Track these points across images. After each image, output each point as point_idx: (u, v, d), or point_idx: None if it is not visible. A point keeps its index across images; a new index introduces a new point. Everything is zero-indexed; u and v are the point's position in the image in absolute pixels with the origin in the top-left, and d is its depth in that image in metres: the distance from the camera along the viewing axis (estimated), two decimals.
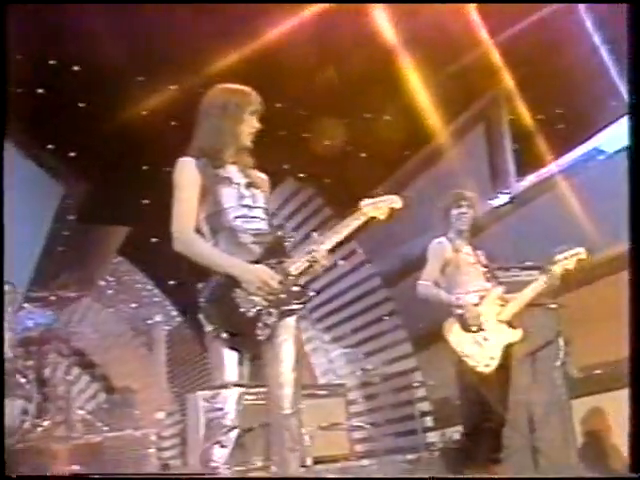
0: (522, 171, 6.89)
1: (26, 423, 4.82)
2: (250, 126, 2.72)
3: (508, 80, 6.71)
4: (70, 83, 6.37)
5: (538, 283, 4.05)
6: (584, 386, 5.21)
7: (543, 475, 4.25)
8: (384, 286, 7.66)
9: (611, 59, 5.94)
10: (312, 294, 2.83)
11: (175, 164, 2.66)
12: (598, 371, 5.38)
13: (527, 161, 6.85)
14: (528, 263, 4.90)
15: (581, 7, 5.89)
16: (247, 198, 2.69)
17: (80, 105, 6.60)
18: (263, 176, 2.86)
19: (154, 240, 7.46)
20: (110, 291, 7.02)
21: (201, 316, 2.55)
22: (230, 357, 2.52)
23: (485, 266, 4.19)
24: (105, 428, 5.32)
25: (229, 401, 2.49)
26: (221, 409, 2.48)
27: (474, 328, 3.91)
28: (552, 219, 6.05)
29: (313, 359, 7.70)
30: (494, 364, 3.86)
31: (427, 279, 4.11)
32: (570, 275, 5.57)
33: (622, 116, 5.98)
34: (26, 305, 5.51)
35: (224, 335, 2.50)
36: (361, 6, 6.06)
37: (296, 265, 2.61)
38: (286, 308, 2.58)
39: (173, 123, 6.44)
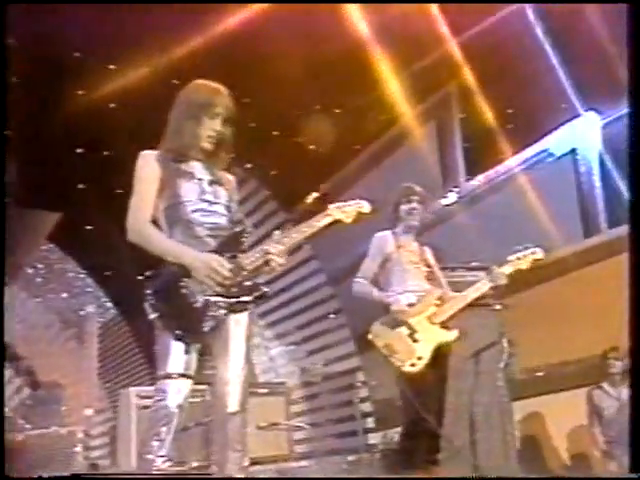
0: (472, 170, 6.98)
1: None
2: (210, 129, 2.70)
3: (461, 79, 6.79)
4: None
5: (480, 285, 3.99)
6: (526, 388, 5.31)
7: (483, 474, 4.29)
8: (330, 283, 7.65)
9: (561, 64, 6.06)
10: (266, 290, 2.62)
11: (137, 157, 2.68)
12: (540, 373, 5.49)
13: (477, 160, 6.94)
14: (475, 264, 4.93)
15: (530, 12, 6.01)
16: (208, 194, 2.69)
17: (13, 80, 6.36)
18: (230, 177, 2.86)
19: (89, 227, 7.28)
20: (39, 279, 6.79)
21: (146, 305, 2.53)
22: (176, 347, 2.49)
23: (429, 265, 4.13)
24: (28, 426, 5.13)
25: (171, 392, 2.45)
26: (162, 400, 2.44)
27: (406, 329, 3.84)
28: (501, 218, 6.15)
29: (254, 356, 7.65)
30: (421, 364, 3.78)
31: (364, 276, 4.07)
32: (518, 276, 5.71)
33: (570, 119, 6.14)
34: None
35: (169, 324, 2.48)
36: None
37: (250, 260, 2.59)
38: (236, 301, 2.56)
39: (112, 105, 6.30)
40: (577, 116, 6.15)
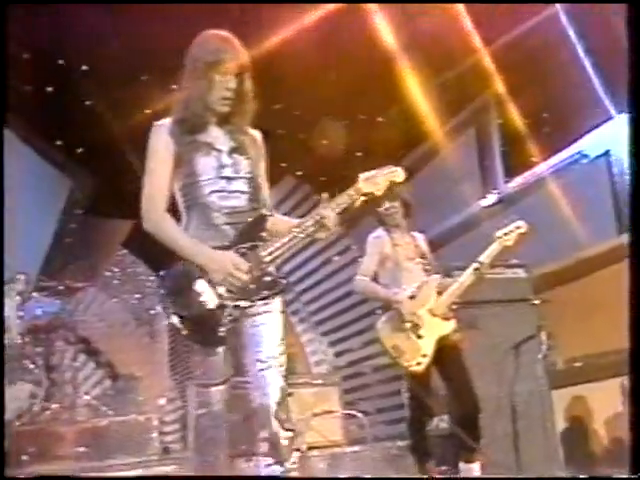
0: (510, 173, 6.97)
1: (35, 406, 4.89)
2: (223, 89, 2.30)
3: (498, 86, 6.79)
4: (78, 82, 6.41)
5: (467, 275, 3.77)
6: (565, 378, 5.31)
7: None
8: None
9: (593, 68, 6.01)
10: (285, 282, 2.38)
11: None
12: (578, 364, 5.48)
13: (515, 163, 6.92)
14: (514, 261, 4.95)
15: (564, 17, 5.96)
16: (228, 167, 2.34)
17: (87, 103, 6.65)
18: (256, 134, 2.47)
19: None
20: (115, 282, 7.09)
21: (161, 308, 2.39)
22: (206, 352, 2.29)
23: (423, 256, 3.98)
24: (110, 412, 5.39)
25: (213, 398, 2.31)
26: (207, 406, 2.30)
27: (409, 325, 3.70)
28: (538, 218, 6.13)
29: (308, 350, 7.79)
30: (426, 362, 3.66)
31: (364, 274, 3.90)
32: (557, 273, 5.69)
33: (603, 122, 6.09)
34: (35, 294, 5.56)
35: (183, 328, 2.24)
36: (361, 11, 6.09)
37: (270, 251, 2.30)
38: (253, 301, 2.29)
39: None
40: (610, 119, 6.09)
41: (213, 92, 2.30)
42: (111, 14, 5.53)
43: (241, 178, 2.36)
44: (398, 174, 2.51)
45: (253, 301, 2.28)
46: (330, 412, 5.25)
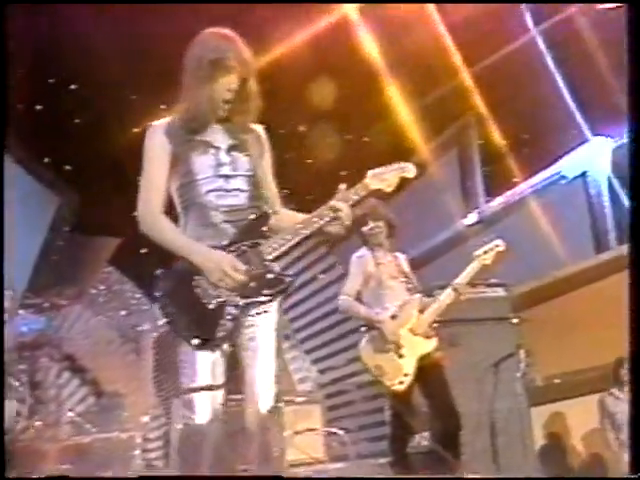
0: (491, 192, 7.09)
1: (19, 424, 4.87)
2: (225, 90, 2.22)
3: (479, 107, 6.91)
4: (67, 100, 6.46)
5: (447, 294, 3.79)
6: (544, 394, 5.38)
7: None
8: None
9: (570, 93, 6.15)
10: (290, 280, 2.23)
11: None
12: (557, 380, 5.55)
13: (496, 183, 7.05)
14: (494, 280, 5.01)
15: (542, 43, 6.09)
16: (226, 166, 2.25)
17: (76, 121, 6.69)
18: (260, 130, 2.37)
19: (143, 251, 7.56)
20: (101, 299, 7.08)
21: (157, 308, 2.18)
22: (201, 355, 2.15)
23: (406, 275, 3.98)
24: (93, 430, 5.37)
25: (199, 407, 2.14)
26: (191, 416, 2.14)
27: (391, 346, 3.71)
28: (518, 237, 6.24)
29: (292, 367, 7.80)
30: (408, 380, 3.67)
31: (347, 293, 3.90)
32: (535, 291, 5.78)
33: (580, 144, 6.24)
34: (21, 311, 5.55)
35: (183, 330, 2.13)
36: (346, 30, 6.14)
37: (272, 247, 2.20)
38: (255, 299, 2.18)
39: None
40: (586, 141, 6.23)
41: (216, 92, 2.21)
42: (102, 32, 5.57)
43: (240, 176, 2.26)
44: (409, 169, 2.38)
45: (253, 299, 2.18)
46: (312, 429, 5.26)
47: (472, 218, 7.07)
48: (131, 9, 5.22)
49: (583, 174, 6.22)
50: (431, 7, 5.68)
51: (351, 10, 5.95)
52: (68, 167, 7.06)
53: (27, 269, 6.54)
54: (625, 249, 5.69)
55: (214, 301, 2.14)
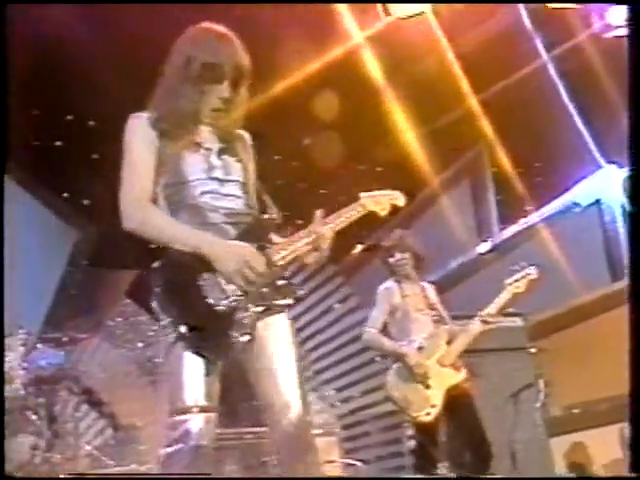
0: (504, 221, 7.07)
1: (36, 457, 4.85)
2: (215, 97, 1.99)
3: (491, 135, 6.92)
4: (84, 137, 6.56)
5: (477, 325, 3.84)
6: (564, 424, 5.30)
7: None
8: None
9: (582, 120, 6.16)
10: (301, 291, 2.13)
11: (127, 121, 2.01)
12: (576, 410, 5.47)
13: (509, 212, 7.03)
14: (511, 310, 4.97)
15: (554, 71, 6.08)
16: (218, 169, 2.02)
17: (93, 157, 6.79)
18: (244, 134, 2.15)
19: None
20: (118, 331, 7.09)
21: (155, 304, 1.89)
22: (193, 368, 1.87)
23: (433, 307, 4.00)
24: (111, 462, 5.34)
25: (191, 430, 1.85)
26: (181, 440, 1.84)
27: (418, 377, 3.73)
28: (534, 266, 6.20)
29: (310, 398, 7.72)
30: (434, 412, 3.68)
31: (372, 326, 3.94)
32: (552, 320, 5.72)
33: (593, 172, 6.23)
34: (39, 345, 5.57)
35: (184, 330, 1.83)
36: (353, 60, 6.14)
37: (282, 254, 1.97)
38: (268, 305, 1.95)
39: None
40: (599, 168, 6.23)
41: (204, 98, 1.99)
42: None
43: (234, 182, 2.06)
44: (399, 197, 2.40)
45: (266, 306, 1.94)
46: (330, 462, 5.20)
47: (485, 247, 7.05)
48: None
49: (597, 202, 6.20)
50: (439, 34, 5.68)
51: (359, 37, 5.91)
52: (86, 202, 7.14)
53: (45, 303, 6.59)
54: None
55: (223, 303, 1.87)
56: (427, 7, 5.34)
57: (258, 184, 2.13)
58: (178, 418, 1.87)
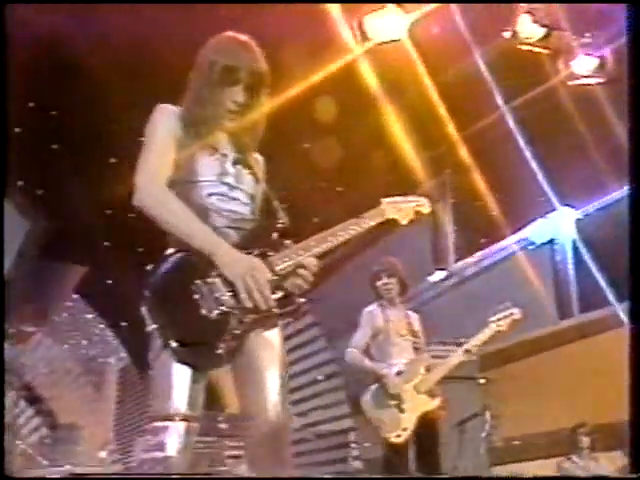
0: (460, 253, 7.21)
1: None
2: (230, 100, 2.02)
3: (454, 169, 7.06)
4: (46, 125, 6.38)
5: (457, 355, 3.99)
6: (504, 455, 5.41)
7: None
8: (330, 347, 7.72)
9: (539, 165, 6.32)
10: (302, 301, 1.92)
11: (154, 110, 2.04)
12: (517, 442, 5.60)
13: (465, 244, 7.18)
14: (462, 339, 5.06)
15: (511, 121, 6.19)
16: (230, 176, 2.03)
17: (53, 147, 6.61)
18: (258, 157, 2.17)
19: (109, 282, 7.41)
20: (64, 327, 6.88)
21: (144, 310, 1.84)
22: (180, 375, 1.83)
23: (415, 335, 4.11)
24: (45, 463, 5.14)
25: (170, 437, 1.81)
26: (158, 447, 1.81)
27: (393, 401, 3.85)
28: (485, 298, 6.35)
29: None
30: (405, 434, 3.82)
31: (355, 346, 4.05)
32: (500, 352, 5.86)
33: (548, 212, 6.44)
34: None
35: (172, 341, 1.79)
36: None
37: (284, 266, 1.91)
38: (264, 316, 1.88)
39: None
40: (554, 210, 6.45)
41: (223, 101, 2.02)
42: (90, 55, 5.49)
43: (243, 190, 2.05)
44: (425, 204, 2.20)
45: (261, 316, 1.87)
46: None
47: (440, 275, 7.17)
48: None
49: (551, 241, 6.42)
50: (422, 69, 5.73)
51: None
52: (40, 191, 6.92)
53: None
54: (587, 317, 5.88)
55: (215, 312, 1.82)
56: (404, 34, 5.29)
57: (268, 189, 2.12)
58: (159, 424, 1.83)
